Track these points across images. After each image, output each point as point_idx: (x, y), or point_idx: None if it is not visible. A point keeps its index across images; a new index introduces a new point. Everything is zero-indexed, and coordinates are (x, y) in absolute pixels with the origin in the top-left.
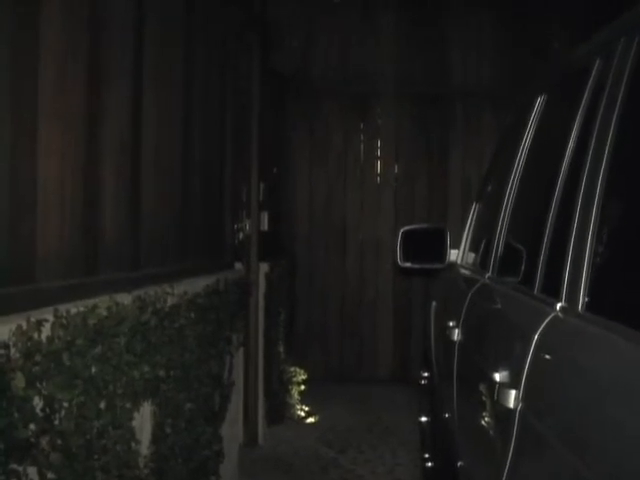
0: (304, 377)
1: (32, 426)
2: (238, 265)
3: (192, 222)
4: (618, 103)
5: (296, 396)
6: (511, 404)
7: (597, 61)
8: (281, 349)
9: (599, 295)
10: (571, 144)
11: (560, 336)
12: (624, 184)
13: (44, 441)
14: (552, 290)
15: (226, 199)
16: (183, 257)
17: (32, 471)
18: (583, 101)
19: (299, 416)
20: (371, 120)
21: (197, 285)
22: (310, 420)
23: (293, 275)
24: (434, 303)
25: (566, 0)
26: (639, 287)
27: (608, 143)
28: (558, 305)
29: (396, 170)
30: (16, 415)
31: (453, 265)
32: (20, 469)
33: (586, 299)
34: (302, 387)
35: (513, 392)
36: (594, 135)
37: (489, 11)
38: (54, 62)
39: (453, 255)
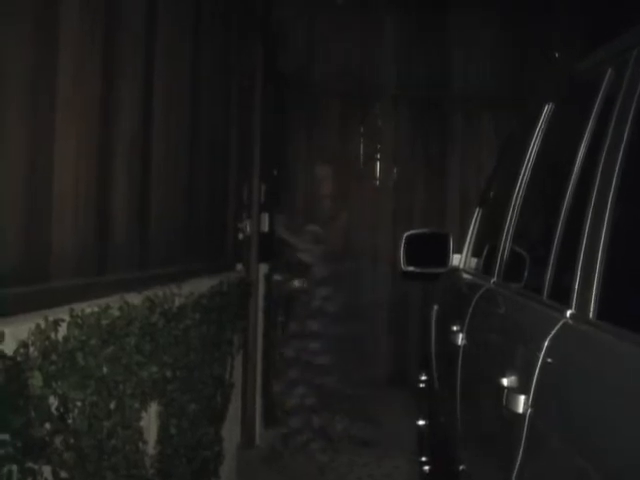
0: None
1: (47, 425)
2: (239, 266)
3: (197, 223)
4: (631, 113)
5: None
6: (520, 409)
7: (609, 71)
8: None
9: (610, 302)
10: (582, 152)
11: (571, 343)
12: (636, 191)
13: (58, 440)
14: (561, 296)
15: (229, 200)
16: (188, 258)
17: (46, 470)
18: (594, 110)
19: None
20: (371, 123)
21: (202, 286)
22: None
23: (292, 276)
24: (435, 307)
25: (568, 8)
26: None
27: (621, 151)
28: (568, 312)
29: (395, 174)
30: (33, 414)
31: (455, 270)
32: (36, 467)
33: (597, 306)
34: None
35: (522, 397)
36: (606, 143)
37: (491, 17)
38: (71, 63)
39: (455, 260)
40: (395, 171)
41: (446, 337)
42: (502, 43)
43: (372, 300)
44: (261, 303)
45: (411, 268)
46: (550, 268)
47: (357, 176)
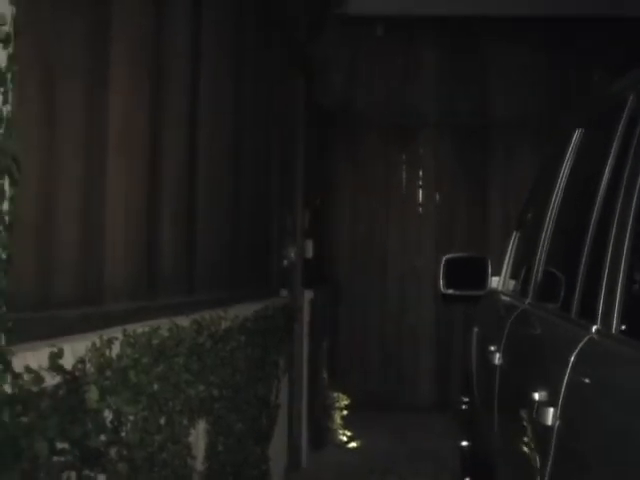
0: (346, 403)
1: (102, 437)
2: (283, 292)
3: (242, 251)
4: None
5: (338, 421)
6: (549, 421)
7: (630, 97)
8: (324, 375)
9: (632, 318)
10: (606, 176)
11: (595, 357)
12: None
13: (112, 451)
14: (588, 314)
15: (273, 228)
16: (234, 283)
17: (101, 478)
18: (617, 135)
19: (341, 441)
20: (412, 151)
21: (247, 310)
22: (352, 445)
23: (336, 302)
24: (475, 329)
25: (609, 34)
26: None
27: None
28: (593, 328)
29: (437, 200)
30: (89, 425)
31: (494, 292)
32: (92, 475)
33: (620, 321)
34: (344, 412)
35: (551, 410)
36: (627, 167)
37: (529, 44)
38: (121, 111)
39: (494, 282)
40: (437, 197)
41: (485, 357)
42: (543, 71)
43: (416, 323)
44: (306, 328)
45: (450, 291)
46: (578, 288)
47: (400, 202)
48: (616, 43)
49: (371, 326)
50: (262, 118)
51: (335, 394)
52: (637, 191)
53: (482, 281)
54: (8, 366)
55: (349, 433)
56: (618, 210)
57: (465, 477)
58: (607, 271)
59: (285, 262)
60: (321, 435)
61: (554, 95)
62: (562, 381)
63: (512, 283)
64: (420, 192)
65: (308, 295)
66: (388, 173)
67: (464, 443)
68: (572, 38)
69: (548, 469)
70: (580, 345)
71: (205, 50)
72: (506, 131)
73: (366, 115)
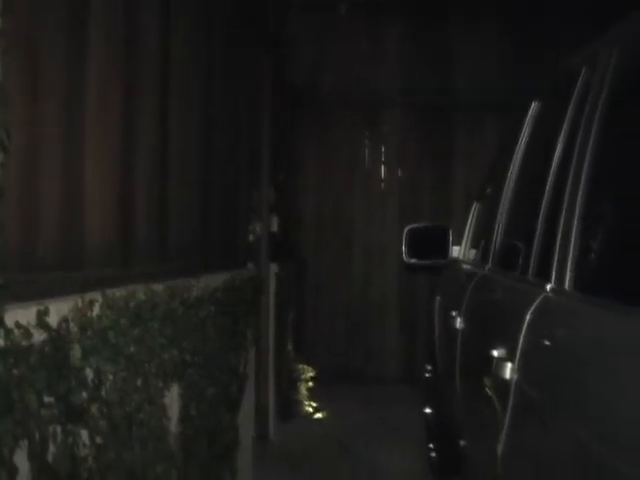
0: (312, 374)
1: (84, 394)
2: (250, 265)
3: (211, 224)
4: (599, 107)
5: (304, 392)
6: (507, 375)
7: (583, 70)
8: (290, 347)
9: (583, 275)
10: (559, 145)
11: (550, 312)
12: (604, 181)
13: (94, 408)
14: (543, 275)
15: (240, 202)
16: (203, 254)
17: (84, 434)
18: (570, 106)
19: (307, 412)
20: (377, 129)
21: (216, 280)
22: (318, 416)
23: (302, 277)
24: (438, 298)
25: (570, 13)
26: (616, 267)
27: (590, 144)
28: (548, 286)
29: (401, 176)
30: (73, 382)
31: (455, 261)
32: (76, 430)
33: (573, 279)
34: (310, 384)
35: (509, 365)
36: (579, 137)
37: (492, 22)
38: (97, 89)
39: (455, 252)
40: (402, 174)
41: (447, 324)
42: (507, 49)
43: (381, 298)
44: (272, 300)
45: (413, 260)
46: (535, 252)
47: (365, 179)
48: (579, 21)
49: (337, 300)
50: (231, 95)
51: (300, 366)
52: (588, 161)
53: (444, 250)
54: (1, 321)
55: (315, 404)
56: (569, 180)
57: (429, 442)
58: (560, 234)
59: (251, 237)
60: (289, 407)
61: (519, 73)
62: (519, 337)
63: (473, 252)
64: (385, 169)
65: (274, 268)
66: (353, 150)
67: (428, 410)
68: (537, 17)
69: (506, 420)
70: (536, 302)
71: (174, 31)
72: (469, 108)
73: (332, 94)
